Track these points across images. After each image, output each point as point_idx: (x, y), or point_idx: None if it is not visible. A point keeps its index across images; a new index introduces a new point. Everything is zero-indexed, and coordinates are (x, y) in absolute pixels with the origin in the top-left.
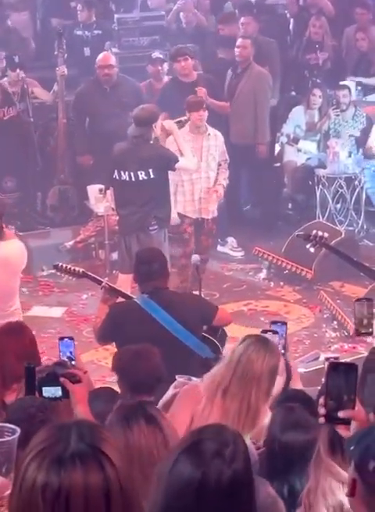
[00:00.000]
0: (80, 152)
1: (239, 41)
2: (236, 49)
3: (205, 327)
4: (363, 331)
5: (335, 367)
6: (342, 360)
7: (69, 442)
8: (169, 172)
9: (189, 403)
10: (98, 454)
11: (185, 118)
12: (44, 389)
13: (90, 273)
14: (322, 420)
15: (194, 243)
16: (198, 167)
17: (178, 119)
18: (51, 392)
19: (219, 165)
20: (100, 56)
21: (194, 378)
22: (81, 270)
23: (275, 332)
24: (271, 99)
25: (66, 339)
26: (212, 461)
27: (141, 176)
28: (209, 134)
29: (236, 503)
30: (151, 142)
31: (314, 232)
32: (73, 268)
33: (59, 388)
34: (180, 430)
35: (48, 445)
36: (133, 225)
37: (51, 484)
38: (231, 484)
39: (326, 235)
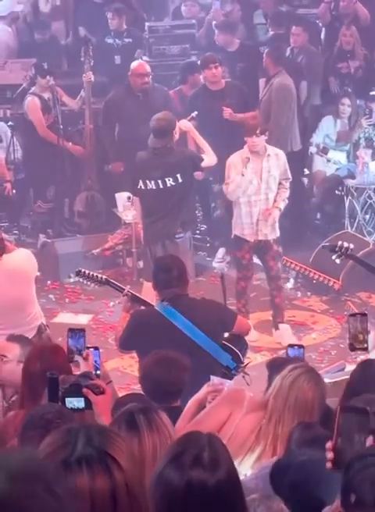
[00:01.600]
0: (111, 159)
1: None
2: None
3: (226, 335)
4: (358, 346)
5: (346, 409)
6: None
7: (77, 445)
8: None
9: (230, 404)
10: (106, 458)
11: (196, 113)
12: (67, 399)
13: (112, 280)
14: (329, 465)
15: (263, 267)
16: (215, 160)
17: (190, 116)
18: (74, 403)
19: (280, 183)
20: (135, 64)
21: (227, 381)
22: (104, 277)
23: (301, 347)
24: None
25: (91, 349)
26: (193, 470)
27: (169, 182)
28: (269, 155)
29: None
30: (174, 148)
31: (339, 243)
32: (95, 274)
33: (82, 399)
34: (213, 425)
35: (55, 448)
36: (159, 232)
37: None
38: (215, 491)
39: (351, 246)
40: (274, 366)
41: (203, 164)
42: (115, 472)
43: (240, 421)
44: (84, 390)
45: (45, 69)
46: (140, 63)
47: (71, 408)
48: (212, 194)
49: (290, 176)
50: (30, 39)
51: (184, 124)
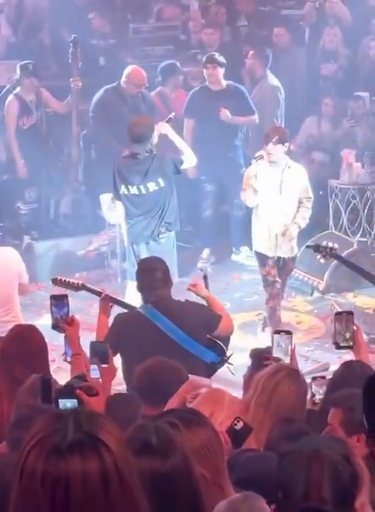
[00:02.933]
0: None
1: (249, 54)
2: (247, 61)
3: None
4: (343, 344)
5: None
6: None
7: (67, 431)
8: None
9: (211, 405)
10: (96, 442)
11: (173, 114)
12: (60, 401)
13: (89, 285)
14: None
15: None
16: (195, 161)
17: (167, 118)
18: (66, 404)
19: (301, 202)
20: (134, 72)
21: (206, 379)
22: (80, 282)
23: (288, 333)
24: None
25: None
26: (141, 457)
27: (152, 187)
28: (289, 167)
29: (176, 498)
30: (154, 153)
31: (324, 243)
32: (71, 281)
33: (75, 401)
34: None
35: (46, 434)
36: (142, 233)
37: (50, 473)
38: (166, 478)
39: (336, 246)
40: (256, 355)
41: (183, 166)
42: (105, 455)
43: (222, 425)
44: (77, 392)
45: (30, 70)
46: (140, 71)
47: (64, 410)
48: (203, 194)
49: (311, 194)
50: (16, 39)
51: (162, 127)
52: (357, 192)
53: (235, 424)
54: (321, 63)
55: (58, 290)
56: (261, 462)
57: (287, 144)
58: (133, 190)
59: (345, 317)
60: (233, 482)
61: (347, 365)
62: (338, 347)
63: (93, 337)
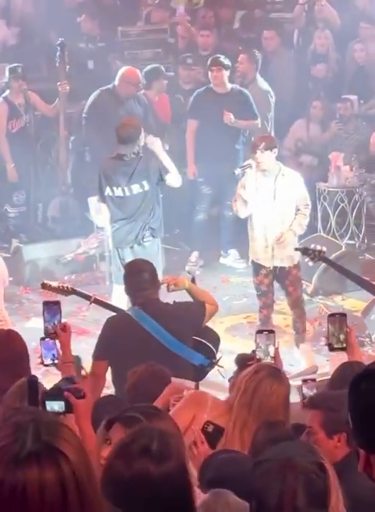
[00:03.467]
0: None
1: (240, 57)
2: (237, 65)
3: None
4: (337, 346)
5: None
6: None
7: (26, 441)
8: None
9: (193, 407)
10: (54, 452)
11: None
12: (47, 402)
13: (78, 289)
14: None
15: (284, 293)
16: (180, 182)
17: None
18: (54, 406)
19: (298, 209)
20: (128, 71)
21: (188, 381)
22: (70, 287)
23: (271, 332)
24: None
25: (47, 340)
26: (139, 460)
27: (136, 189)
28: (283, 175)
29: (168, 502)
30: (141, 155)
31: (312, 245)
32: (60, 285)
33: (63, 402)
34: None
35: (6, 443)
36: (127, 237)
37: (7, 481)
38: (160, 482)
39: (324, 249)
40: (241, 360)
41: (167, 181)
42: (63, 465)
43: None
44: (65, 393)
45: (19, 73)
46: (133, 70)
47: (51, 411)
48: (200, 196)
49: (309, 201)
50: (12, 43)
51: (151, 140)
52: (345, 195)
53: (207, 428)
54: (311, 65)
55: (50, 295)
56: (236, 463)
57: (275, 150)
58: (118, 192)
59: (338, 318)
60: (207, 482)
61: (346, 366)
62: (332, 349)
63: (82, 340)
